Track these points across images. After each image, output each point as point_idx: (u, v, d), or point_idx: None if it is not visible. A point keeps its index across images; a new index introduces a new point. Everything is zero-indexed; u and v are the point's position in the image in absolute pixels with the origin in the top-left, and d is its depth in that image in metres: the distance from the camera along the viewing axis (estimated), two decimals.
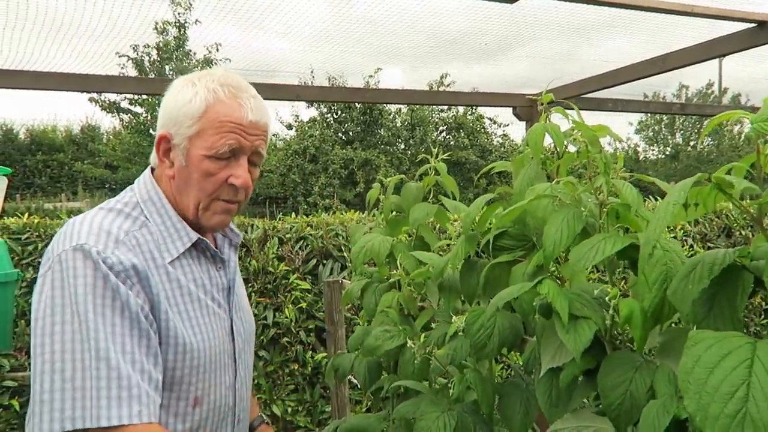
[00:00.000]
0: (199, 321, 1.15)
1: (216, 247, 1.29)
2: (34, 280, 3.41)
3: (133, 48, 13.84)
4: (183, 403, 1.12)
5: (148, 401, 1.00)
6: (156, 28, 13.93)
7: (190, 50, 15.16)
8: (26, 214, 3.76)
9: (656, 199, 4.51)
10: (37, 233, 3.50)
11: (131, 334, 1.01)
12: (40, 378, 0.99)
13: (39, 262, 3.43)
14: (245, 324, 1.33)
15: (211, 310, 1.19)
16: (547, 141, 1.23)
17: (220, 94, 1.13)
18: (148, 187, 1.19)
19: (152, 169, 1.23)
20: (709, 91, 24.10)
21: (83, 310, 0.99)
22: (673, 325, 0.92)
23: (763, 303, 4.63)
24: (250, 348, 1.37)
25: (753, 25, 2.54)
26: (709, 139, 23.57)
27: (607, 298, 0.89)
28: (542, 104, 1.32)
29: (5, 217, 3.68)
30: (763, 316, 4.72)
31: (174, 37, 14.88)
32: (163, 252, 1.13)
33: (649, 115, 24.18)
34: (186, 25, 14.74)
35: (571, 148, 1.21)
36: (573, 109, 1.19)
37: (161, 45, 14.70)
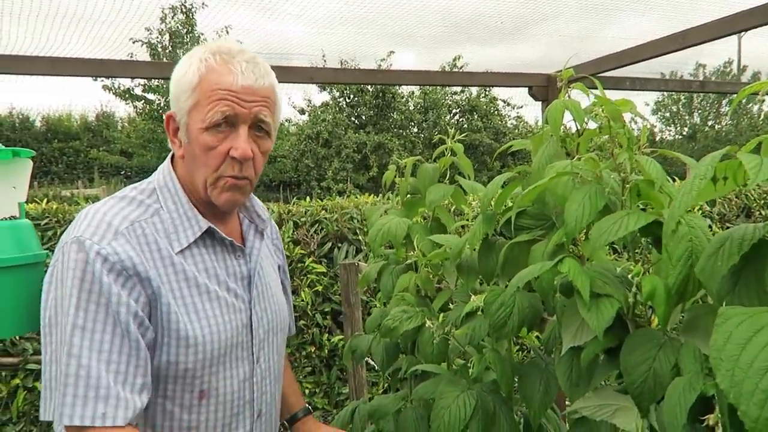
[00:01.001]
0: (207, 313, 1.11)
1: (242, 234, 1.26)
2: None
3: (147, 30, 13.87)
4: (188, 395, 1.10)
5: (118, 404, 0.96)
6: (163, 14, 13.93)
7: (201, 34, 15.16)
8: (44, 200, 3.80)
9: (674, 180, 4.46)
10: (56, 219, 3.54)
11: (113, 333, 0.98)
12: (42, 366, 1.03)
13: None
14: (272, 314, 1.27)
15: (222, 301, 1.14)
16: (567, 119, 1.21)
17: (212, 62, 1.07)
18: (165, 173, 1.17)
19: (173, 155, 1.20)
20: (728, 70, 23.62)
21: (67, 305, 0.99)
22: (697, 302, 0.91)
23: None
24: (279, 339, 1.31)
25: None
26: (728, 119, 23.16)
27: (630, 276, 0.87)
28: (561, 81, 1.29)
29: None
30: None
31: (182, 23, 14.88)
32: (173, 241, 1.10)
33: (666, 94, 23.78)
34: (193, 9, 14.73)
35: (591, 126, 1.19)
36: (594, 86, 1.17)
37: (172, 30, 14.71)
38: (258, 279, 1.24)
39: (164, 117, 1.15)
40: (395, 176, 1.79)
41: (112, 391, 0.96)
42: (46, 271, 1.09)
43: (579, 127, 1.21)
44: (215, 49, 1.09)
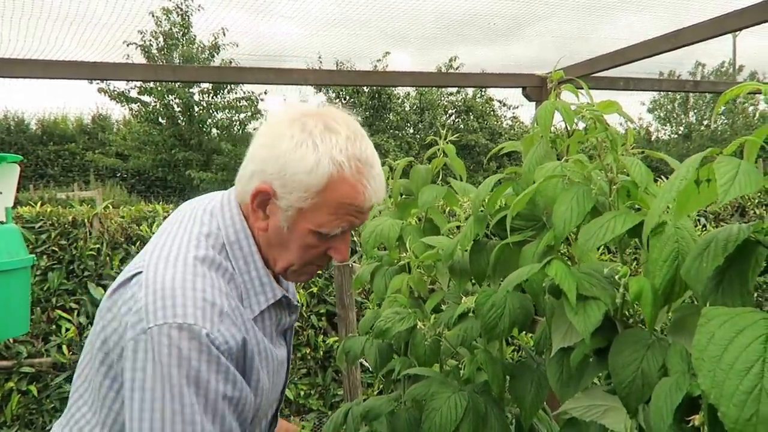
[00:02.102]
0: (264, 380, 1.07)
1: (275, 274, 1.17)
2: (48, 268, 3.47)
3: (140, 33, 13.84)
4: None
5: None
6: (153, 16, 13.91)
7: (195, 36, 15.16)
8: (39, 203, 3.79)
9: (667, 179, 4.45)
10: (50, 222, 3.54)
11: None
12: None
13: (52, 250, 3.50)
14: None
15: (276, 362, 1.11)
16: (558, 120, 1.22)
17: (346, 171, 0.98)
18: (237, 227, 1.05)
19: (234, 195, 1.09)
20: (724, 69, 23.70)
21: (202, 404, 0.90)
22: (684, 302, 0.91)
23: None
24: None
25: None
26: (723, 118, 23.22)
27: (617, 277, 0.88)
28: (552, 82, 1.30)
29: (19, 207, 3.72)
30: None
31: (179, 24, 14.87)
32: (246, 308, 1.03)
33: (661, 94, 23.84)
34: (189, 12, 14.72)
35: (582, 126, 1.19)
36: (582, 87, 1.17)
37: (166, 31, 14.70)
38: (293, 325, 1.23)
39: (253, 186, 1.01)
40: (388, 177, 1.79)
41: None
42: (33, 275, 1.03)
43: (569, 128, 1.21)
44: (350, 153, 0.99)
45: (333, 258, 1.07)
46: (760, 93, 0.71)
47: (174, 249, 1.00)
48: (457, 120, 19.13)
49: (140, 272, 0.97)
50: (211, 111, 16.38)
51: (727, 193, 0.59)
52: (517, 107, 19.53)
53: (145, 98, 15.94)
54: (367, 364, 1.84)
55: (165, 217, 3.57)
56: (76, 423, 1.05)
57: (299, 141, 0.98)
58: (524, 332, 1.37)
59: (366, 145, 1.03)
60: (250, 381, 1.00)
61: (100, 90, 15.36)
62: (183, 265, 0.97)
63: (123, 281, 0.99)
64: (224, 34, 14.68)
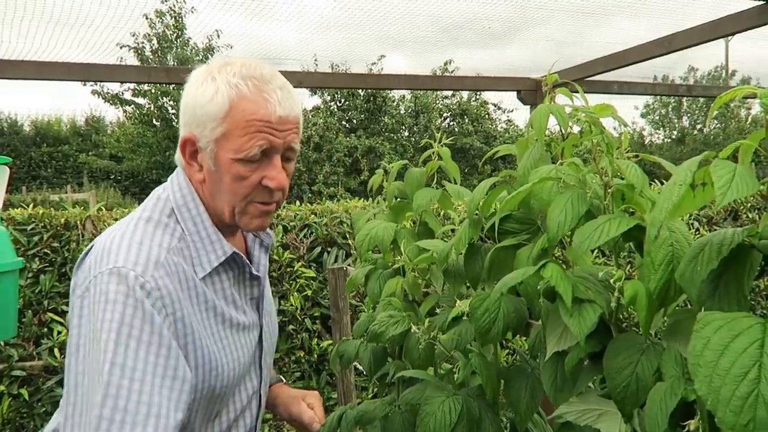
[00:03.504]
0: (230, 340, 1.09)
1: (246, 249, 1.23)
2: (40, 271, 3.44)
3: (133, 35, 13.80)
4: (204, 417, 1.08)
5: None
6: (147, 18, 13.88)
7: (190, 38, 15.14)
8: (31, 205, 3.77)
9: (662, 183, 4.47)
10: (42, 224, 3.51)
11: (153, 373, 0.92)
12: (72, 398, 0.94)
13: (45, 253, 3.47)
14: (272, 326, 1.29)
15: (241, 327, 1.13)
16: (552, 123, 1.21)
17: (243, 89, 1.02)
18: (184, 191, 1.10)
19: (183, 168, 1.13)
20: (717, 74, 23.84)
21: (104, 342, 0.90)
22: (679, 306, 0.91)
23: None
24: (273, 348, 1.33)
25: (760, 3, 2.50)
26: (716, 123, 23.35)
27: (612, 281, 0.87)
28: (546, 86, 1.29)
29: (10, 209, 3.69)
30: None
31: (172, 26, 14.84)
32: (196, 266, 1.05)
33: (655, 98, 23.95)
34: (182, 13, 14.70)
35: (576, 130, 1.19)
36: (577, 90, 1.17)
37: (160, 34, 14.68)
38: (264, 297, 1.23)
39: (180, 138, 1.08)
40: (383, 180, 1.78)
41: None
42: (21, 279, 1.04)
43: (564, 132, 1.21)
44: (245, 74, 1.03)
45: (270, 188, 1.05)
46: (754, 97, 0.71)
47: (125, 218, 1.09)
48: (452, 123, 19.16)
49: (94, 245, 1.04)
50: None
51: (724, 196, 0.59)
52: (512, 111, 19.58)
53: (139, 100, 15.92)
54: (361, 367, 1.84)
55: None
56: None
57: (201, 81, 1.05)
58: (515, 336, 1.37)
59: (262, 66, 1.06)
60: (189, 336, 1.00)
61: (93, 92, 15.33)
62: (126, 226, 1.04)
63: (81, 257, 1.06)
64: (219, 36, 14.67)
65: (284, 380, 1.49)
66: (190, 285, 1.03)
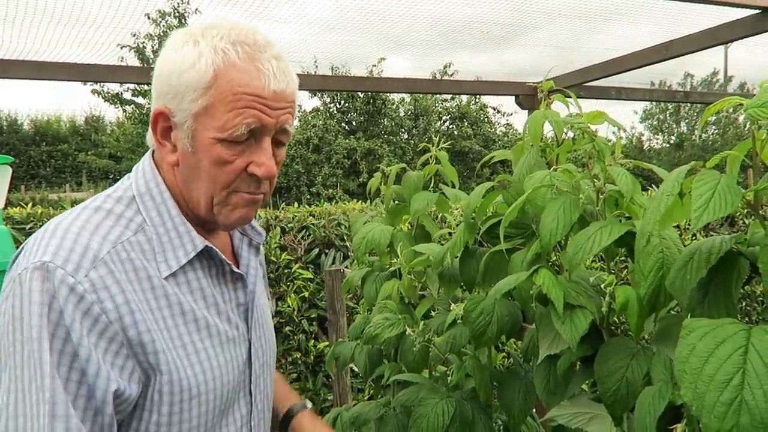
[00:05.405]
0: (209, 353, 0.90)
1: (233, 249, 1.04)
2: None
3: (133, 36, 13.80)
4: None
5: None
6: (149, 17, 13.89)
7: None
8: (30, 204, 3.77)
9: (657, 188, 4.48)
10: (40, 223, 3.51)
11: (67, 402, 0.75)
12: None
13: None
14: (266, 343, 1.06)
15: (224, 337, 0.93)
16: (548, 129, 1.23)
17: (233, 56, 0.85)
18: (147, 176, 0.93)
19: (153, 152, 0.96)
20: (714, 80, 23.90)
21: (24, 360, 0.76)
22: (671, 311, 0.92)
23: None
24: (269, 370, 1.09)
25: (757, 11, 2.51)
26: (714, 128, 23.41)
27: (603, 286, 0.89)
28: (542, 92, 1.31)
29: (9, 207, 3.69)
30: (766, 305, 4.70)
31: (175, 27, 14.85)
32: (160, 263, 0.88)
33: (654, 103, 24.01)
34: (186, 15, 14.72)
35: (571, 136, 1.20)
36: (578, 96, 1.19)
37: (161, 34, 14.69)
38: (254, 304, 1.02)
39: (152, 112, 0.91)
40: (380, 183, 1.80)
41: None
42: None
43: (558, 137, 1.22)
44: (235, 38, 0.86)
45: (257, 175, 0.89)
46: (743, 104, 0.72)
47: (74, 207, 0.90)
48: (451, 126, 19.19)
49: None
50: None
51: (700, 218, 0.59)
52: (511, 114, 19.62)
53: (139, 100, 15.91)
54: (357, 369, 1.85)
55: None
56: None
57: (181, 44, 0.88)
58: (509, 339, 1.38)
59: (255, 32, 0.90)
60: (149, 345, 0.83)
61: (93, 91, 15.32)
62: (69, 214, 0.87)
63: (15, 254, 0.89)
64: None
65: (309, 406, 1.21)
66: (155, 285, 0.86)
